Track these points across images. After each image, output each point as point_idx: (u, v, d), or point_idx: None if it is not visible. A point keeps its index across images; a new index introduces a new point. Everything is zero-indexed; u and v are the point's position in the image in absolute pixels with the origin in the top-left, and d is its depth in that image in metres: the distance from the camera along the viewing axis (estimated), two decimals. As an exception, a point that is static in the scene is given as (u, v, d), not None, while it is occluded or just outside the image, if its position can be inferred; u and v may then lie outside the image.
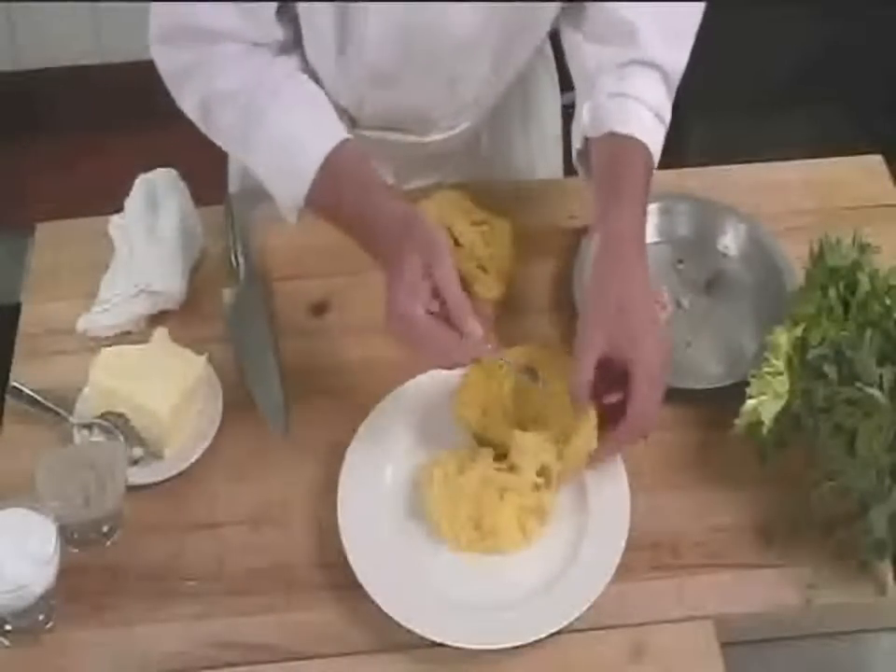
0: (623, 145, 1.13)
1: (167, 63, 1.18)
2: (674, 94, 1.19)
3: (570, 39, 1.23)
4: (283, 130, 1.14)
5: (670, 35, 1.18)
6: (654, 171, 1.23)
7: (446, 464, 1.10)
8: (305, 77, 1.19)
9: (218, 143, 1.21)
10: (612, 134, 1.13)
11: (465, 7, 1.15)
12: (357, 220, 1.10)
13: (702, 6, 1.21)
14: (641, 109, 1.14)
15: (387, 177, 1.40)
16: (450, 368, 1.09)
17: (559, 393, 1.11)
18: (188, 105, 1.19)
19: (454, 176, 1.43)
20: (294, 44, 1.21)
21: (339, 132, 1.14)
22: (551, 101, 1.49)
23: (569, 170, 1.29)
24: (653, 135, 1.15)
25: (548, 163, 1.51)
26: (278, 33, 1.18)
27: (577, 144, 1.19)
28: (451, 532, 1.08)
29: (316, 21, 1.17)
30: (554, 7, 1.22)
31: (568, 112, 1.25)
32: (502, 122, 1.43)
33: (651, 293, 1.10)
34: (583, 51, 1.21)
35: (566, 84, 1.45)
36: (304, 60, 1.22)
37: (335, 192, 1.12)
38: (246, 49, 1.16)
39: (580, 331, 1.08)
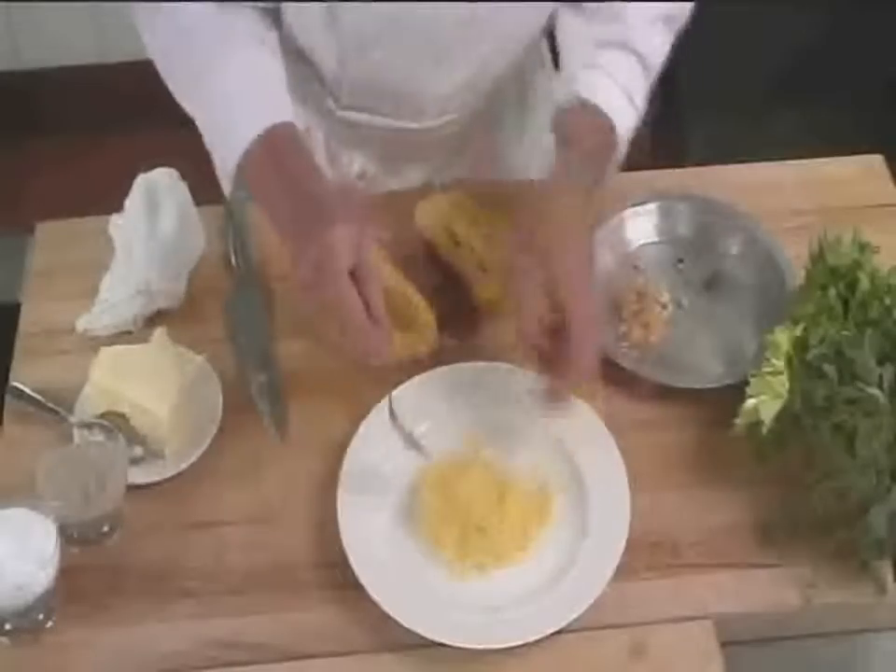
0: (588, 112, 1.13)
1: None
2: (652, 81, 1.19)
3: (561, 15, 1.23)
4: (234, 88, 1.13)
5: (655, 22, 1.18)
6: (654, 171, 1.23)
7: (442, 476, 1.11)
8: (275, 47, 1.18)
9: (172, 88, 1.19)
10: (578, 100, 1.13)
11: None
12: (284, 196, 1.08)
13: (685, 11, 1.22)
14: (613, 86, 1.14)
15: (374, 165, 1.40)
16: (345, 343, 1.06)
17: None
18: (152, 44, 1.19)
19: (443, 171, 1.42)
20: (273, 11, 1.20)
21: (283, 111, 1.12)
22: (546, 97, 1.48)
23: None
24: (621, 114, 1.14)
25: (543, 161, 1.50)
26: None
27: (539, 136, 1.21)
28: (452, 552, 1.08)
29: None
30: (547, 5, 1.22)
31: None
32: (496, 123, 1.42)
33: (587, 241, 1.09)
34: (568, 27, 1.21)
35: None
36: (277, 24, 1.21)
37: (266, 167, 1.10)
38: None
39: (514, 255, 1.08)
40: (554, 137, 1.16)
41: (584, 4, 1.20)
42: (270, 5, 1.19)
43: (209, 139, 1.16)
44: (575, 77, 1.16)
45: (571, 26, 1.21)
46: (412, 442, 1.15)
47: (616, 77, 1.15)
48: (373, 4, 1.16)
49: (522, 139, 1.46)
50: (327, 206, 1.04)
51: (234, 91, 1.13)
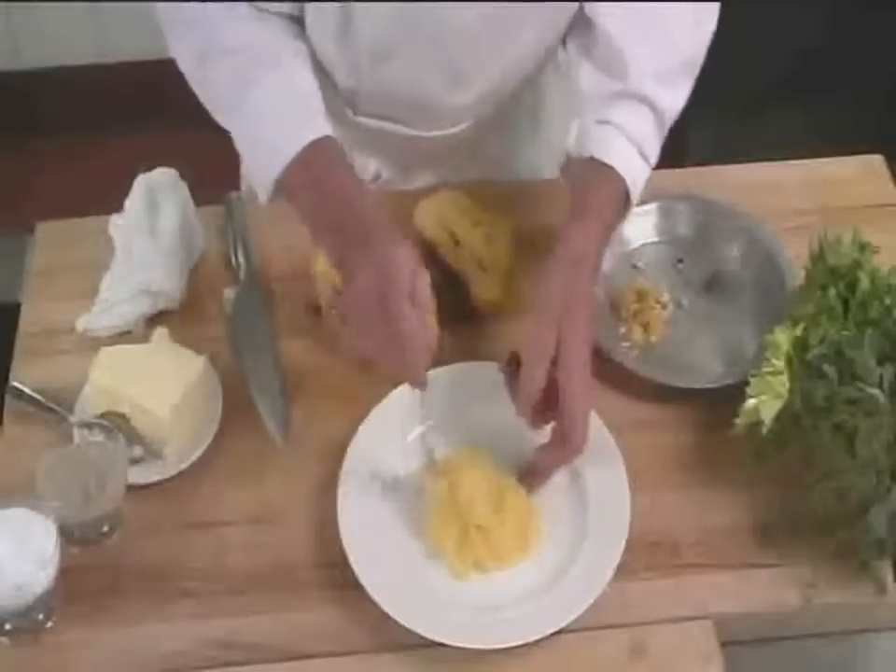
0: (600, 171, 1.12)
1: (170, 8, 1.17)
2: (665, 133, 1.18)
3: (573, 54, 1.23)
4: (273, 103, 1.14)
5: (666, 74, 1.17)
6: (654, 171, 1.23)
7: (442, 476, 1.11)
8: (307, 57, 1.19)
9: (205, 100, 1.19)
10: (592, 159, 1.13)
11: None
12: (324, 211, 1.10)
13: (703, 47, 1.21)
14: (623, 140, 1.13)
15: (389, 170, 1.40)
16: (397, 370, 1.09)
17: None
18: (183, 53, 1.18)
19: (458, 176, 1.43)
20: (299, 19, 1.21)
21: (325, 127, 1.14)
22: (560, 102, 1.48)
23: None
24: (633, 169, 1.13)
25: (556, 170, 1.50)
26: (284, 4, 1.18)
27: (552, 137, 1.21)
28: (453, 551, 1.08)
29: (320, 6, 1.18)
30: (563, 8, 1.22)
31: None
32: (510, 125, 1.42)
33: (589, 322, 1.08)
34: (582, 69, 1.20)
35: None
36: (303, 32, 1.22)
37: (312, 179, 1.11)
38: (255, 12, 1.16)
39: (527, 338, 1.07)
40: (570, 196, 1.16)
41: (594, 48, 1.19)
42: (288, 6, 1.19)
43: (246, 156, 1.17)
44: (587, 133, 1.15)
45: (584, 77, 1.19)
46: (428, 439, 1.16)
47: (627, 131, 1.13)
48: (387, 17, 1.17)
49: (535, 140, 1.47)
50: (378, 227, 1.07)
51: (273, 108, 1.14)
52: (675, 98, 1.18)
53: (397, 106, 1.30)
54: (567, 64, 1.25)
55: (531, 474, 1.12)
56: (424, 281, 1.05)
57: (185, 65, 1.19)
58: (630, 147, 1.13)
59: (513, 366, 1.09)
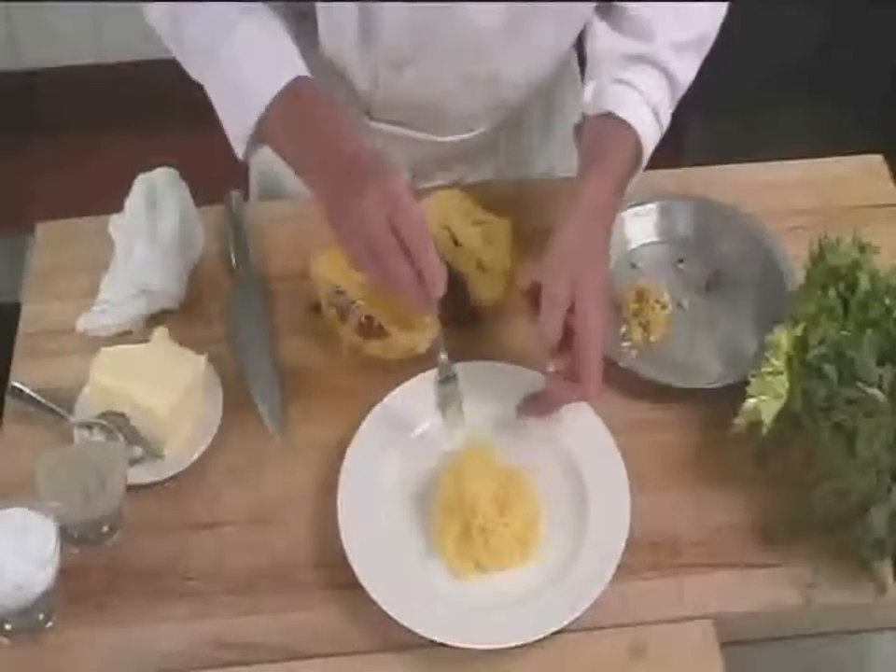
0: (615, 126, 1.15)
1: None
2: (676, 104, 1.20)
3: (593, 26, 1.24)
4: (247, 49, 1.14)
5: (683, 47, 1.20)
6: (654, 171, 1.23)
7: (442, 476, 1.11)
8: (280, 10, 1.18)
9: (181, 57, 1.19)
10: (608, 115, 1.15)
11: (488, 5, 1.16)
12: (308, 153, 1.10)
13: (717, 24, 1.23)
14: (640, 101, 1.15)
15: (406, 173, 1.40)
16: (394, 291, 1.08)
17: None
18: (158, 12, 1.18)
19: (471, 177, 1.43)
20: (300, 20, 1.21)
21: (301, 67, 1.13)
22: (574, 107, 1.48)
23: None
24: (647, 129, 1.16)
25: (569, 169, 1.50)
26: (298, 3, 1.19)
27: (574, 118, 1.22)
28: (453, 551, 1.08)
29: (337, 9, 1.18)
30: (580, 12, 1.22)
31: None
32: (522, 127, 1.42)
33: (605, 270, 1.11)
34: (599, 37, 1.22)
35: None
36: (313, 40, 1.22)
37: (292, 119, 1.11)
38: None
39: (544, 287, 1.08)
40: (579, 148, 1.18)
41: (617, 16, 1.21)
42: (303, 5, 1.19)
43: (223, 102, 1.16)
44: (604, 90, 1.17)
45: (602, 39, 1.22)
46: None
47: (643, 92, 1.16)
48: (406, 25, 1.17)
49: (548, 140, 1.47)
50: (368, 159, 1.06)
51: (247, 53, 1.14)
52: (688, 71, 1.21)
53: (412, 112, 1.30)
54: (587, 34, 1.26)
55: (536, 400, 1.14)
56: (408, 206, 1.04)
57: (160, 25, 1.19)
58: (646, 106, 1.15)
59: (533, 295, 1.12)
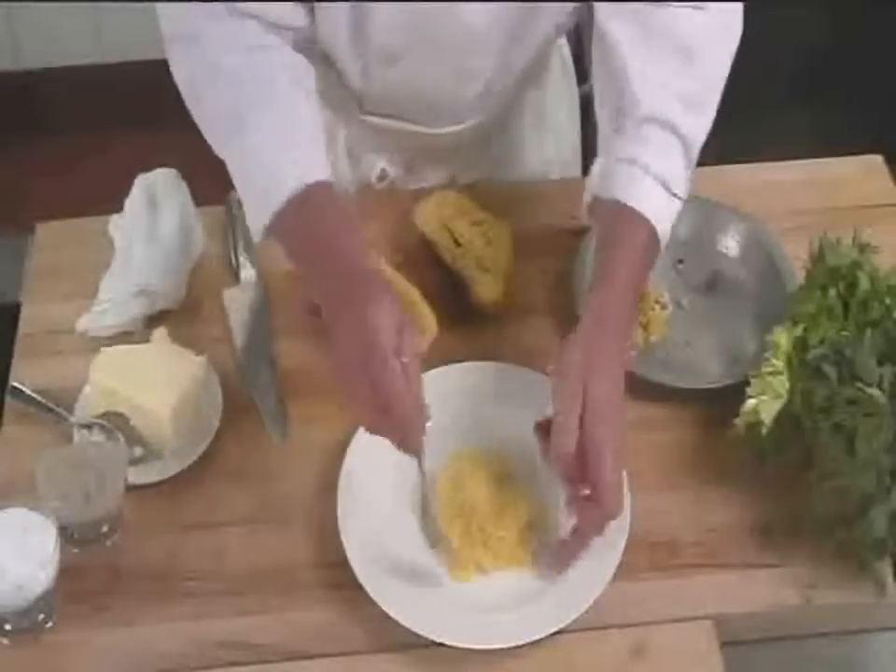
0: (625, 216, 1.09)
1: (173, 22, 1.12)
2: (693, 166, 1.14)
3: (596, 91, 1.18)
4: (266, 144, 1.09)
5: (692, 102, 1.13)
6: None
7: (443, 476, 1.11)
8: (308, 86, 1.14)
9: (199, 123, 1.15)
10: (616, 202, 1.09)
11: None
12: (323, 257, 1.06)
13: (723, 77, 1.17)
14: (648, 180, 1.09)
15: (397, 167, 1.40)
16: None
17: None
18: (181, 70, 1.13)
19: (465, 172, 1.43)
20: (310, 37, 1.19)
21: (321, 170, 1.09)
22: (567, 100, 1.49)
23: (588, 168, 1.26)
24: (659, 209, 1.09)
25: (564, 164, 1.50)
26: (299, 17, 1.15)
27: (587, 198, 1.16)
28: (454, 557, 1.08)
29: (329, 6, 1.17)
30: (571, 9, 1.22)
31: (586, 104, 1.23)
32: (515, 122, 1.43)
33: (618, 383, 1.03)
34: (599, 104, 1.16)
35: (582, 77, 1.45)
36: (315, 52, 1.20)
37: (302, 226, 1.07)
38: (262, 35, 1.12)
39: (554, 404, 1.02)
40: (594, 227, 1.14)
41: (612, 85, 1.14)
42: (302, 17, 1.17)
43: (242, 190, 1.11)
44: (612, 174, 1.11)
45: (602, 109, 1.16)
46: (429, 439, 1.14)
47: (654, 169, 1.09)
48: (397, 20, 1.17)
49: (541, 140, 1.47)
50: (360, 280, 1.02)
51: (266, 150, 1.09)
52: (699, 122, 1.14)
53: (404, 104, 1.30)
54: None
55: (563, 547, 1.07)
56: (410, 335, 1.00)
57: (181, 85, 1.14)
58: (655, 184, 1.09)
59: (543, 432, 1.04)
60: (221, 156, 1.14)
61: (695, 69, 1.13)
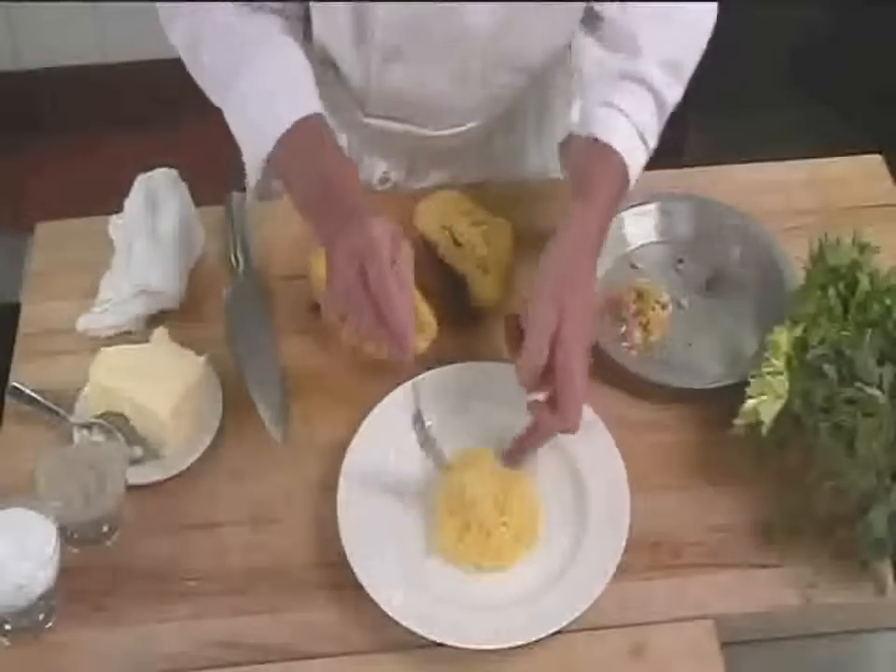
0: (601, 152, 1.14)
1: None
2: (664, 123, 1.20)
3: (579, 39, 1.25)
4: (262, 83, 1.15)
5: (670, 64, 1.19)
6: (654, 171, 1.23)
7: (443, 476, 1.12)
8: (296, 36, 1.21)
9: (200, 82, 1.21)
10: (594, 140, 1.14)
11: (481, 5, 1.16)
12: (317, 186, 1.11)
13: (703, 42, 1.23)
14: (626, 124, 1.15)
15: (398, 170, 1.41)
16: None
17: None
18: (178, 35, 1.20)
19: (466, 174, 1.43)
20: (297, 18, 1.23)
21: (314, 104, 1.15)
22: (567, 106, 1.49)
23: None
24: (633, 153, 1.15)
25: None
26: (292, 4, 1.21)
27: (558, 137, 1.22)
28: (454, 551, 1.09)
29: (330, 7, 1.19)
30: (573, 13, 1.22)
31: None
32: (516, 125, 1.43)
33: (589, 301, 1.09)
34: (587, 53, 1.22)
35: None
36: (304, 33, 1.24)
37: (298, 156, 1.12)
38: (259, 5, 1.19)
39: (531, 312, 1.07)
40: (566, 167, 1.19)
41: (604, 31, 1.21)
42: (294, 6, 1.21)
43: (240, 132, 1.18)
44: (591, 113, 1.16)
45: (589, 55, 1.22)
46: (430, 449, 1.15)
47: (630, 115, 1.15)
48: (398, 20, 1.17)
49: (541, 140, 1.47)
50: (356, 204, 1.07)
51: (262, 88, 1.15)
52: (676, 89, 1.20)
53: (405, 106, 1.30)
54: (575, 50, 1.27)
55: (518, 442, 1.12)
56: (405, 252, 1.05)
57: (180, 49, 1.21)
58: (632, 130, 1.15)
59: (512, 329, 1.10)
60: (221, 106, 1.20)
61: (674, 36, 1.21)
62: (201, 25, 1.18)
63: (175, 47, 1.21)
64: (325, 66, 1.27)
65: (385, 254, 1.02)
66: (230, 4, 1.18)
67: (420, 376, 1.18)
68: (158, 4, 1.21)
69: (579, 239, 1.10)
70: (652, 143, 1.18)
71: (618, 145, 1.14)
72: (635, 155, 1.15)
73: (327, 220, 1.08)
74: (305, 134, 1.13)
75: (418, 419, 1.16)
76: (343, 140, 1.39)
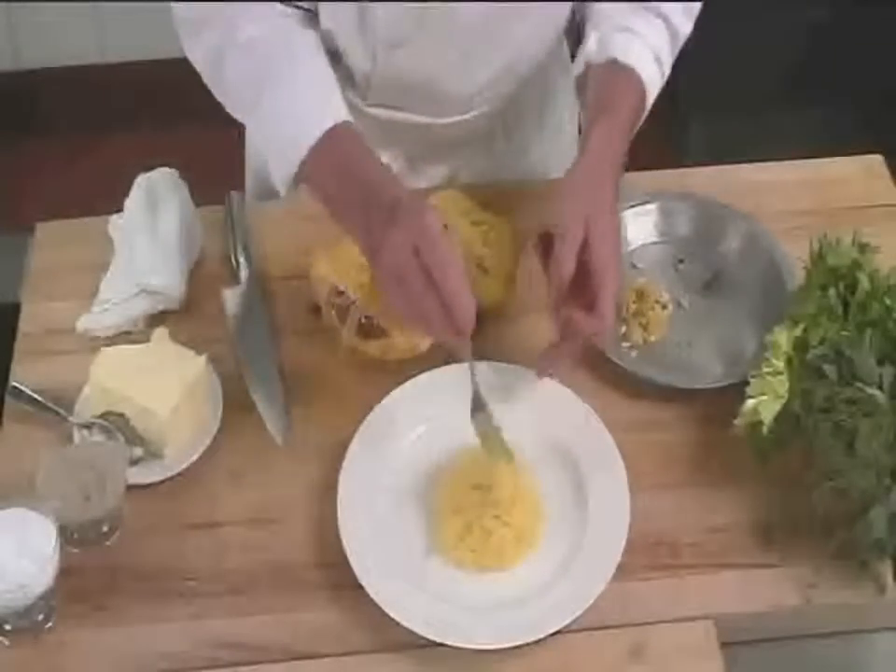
0: (620, 72, 1.17)
1: (186, 8, 1.19)
2: (676, 53, 1.23)
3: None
4: (291, 96, 1.15)
5: (685, 3, 1.22)
6: (654, 171, 1.23)
7: (443, 476, 1.12)
8: (319, 44, 1.22)
9: (222, 98, 1.22)
10: (613, 62, 1.17)
11: None
12: (349, 192, 1.11)
13: None
14: (644, 48, 1.18)
15: (399, 164, 1.41)
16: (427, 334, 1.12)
17: None
18: (199, 51, 1.20)
19: (466, 169, 1.43)
20: (316, 18, 1.23)
21: (343, 113, 1.15)
22: (568, 102, 1.49)
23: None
24: (652, 75, 1.18)
25: (564, 163, 1.50)
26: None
27: (578, 69, 1.23)
28: (454, 551, 1.09)
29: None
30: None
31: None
32: (518, 119, 1.43)
33: (614, 212, 1.12)
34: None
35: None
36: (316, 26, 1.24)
37: (334, 163, 1.13)
38: (273, 9, 1.19)
39: (559, 228, 1.09)
40: (583, 97, 1.21)
41: None
42: (309, 5, 1.21)
43: (269, 146, 1.18)
44: (609, 39, 1.18)
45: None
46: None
47: (646, 38, 1.18)
48: (400, 8, 1.18)
49: (542, 138, 1.47)
50: (402, 197, 1.07)
51: (290, 103, 1.15)
52: (687, 22, 1.23)
53: (408, 93, 1.31)
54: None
55: (554, 350, 1.13)
56: (454, 241, 1.07)
57: (200, 65, 1.21)
58: (649, 52, 1.18)
59: (544, 245, 1.12)
60: (245, 122, 1.21)
61: None
62: (225, 41, 1.17)
63: (194, 62, 1.21)
64: (329, 59, 1.27)
65: (442, 241, 1.03)
66: (250, 19, 1.17)
67: (416, 377, 1.18)
68: (181, 18, 1.20)
69: (599, 156, 1.13)
70: (667, 70, 1.21)
71: (636, 65, 1.16)
72: (652, 77, 1.18)
73: (373, 221, 1.07)
74: (337, 142, 1.13)
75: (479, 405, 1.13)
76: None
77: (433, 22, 1.20)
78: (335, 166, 1.12)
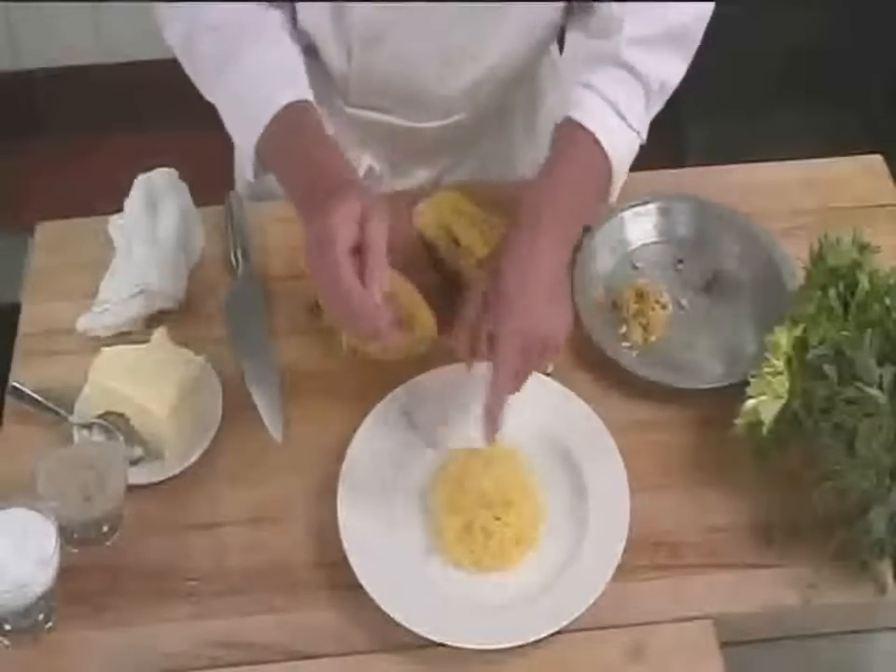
0: (571, 129, 1.13)
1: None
2: (655, 101, 1.18)
3: (567, 28, 1.24)
4: (251, 73, 1.15)
5: (650, 39, 1.16)
6: (654, 171, 1.23)
7: (443, 476, 1.12)
8: (290, 35, 1.20)
9: (193, 77, 1.21)
10: (569, 120, 1.14)
11: None
12: (299, 170, 1.10)
13: (696, 19, 1.19)
14: (603, 104, 1.13)
15: (382, 166, 1.40)
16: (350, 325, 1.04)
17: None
18: (172, 32, 1.20)
19: (451, 173, 1.43)
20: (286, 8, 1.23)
21: (303, 91, 1.14)
22: (556, 106, 1.48)
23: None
24: (612, 134, 1.13)
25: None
26: None
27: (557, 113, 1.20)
28: (454, 551, 1.09)
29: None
30: (552, 8, 1.22)
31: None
32: (504, 119, 1.42)
33: (555, 270, 1.09)
34: (568, 41, 1.22)
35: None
36: (294, 20, 1.24)
37: (284, 141, 1.12)
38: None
39: (494, 347, 1.06)
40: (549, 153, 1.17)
41: (584, 16, 1.20)
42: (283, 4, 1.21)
43: (232, 124, 1.17)
44: (568, 97, 1.15)
45: (571, 40, 1.21)
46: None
47: (607, 95, 1.14)
48: (372, 15, 1.18)
49: (531, 141, 1.46)
50: (332, 188, 1.03)
51: (258, 73, 1.15)
52: (660, 66, 1.17)
53: (388, 95, 1.30)
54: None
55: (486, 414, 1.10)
56: (376, 221, 1.00)
57: (176, 46, 1.21)
58: (609, 108, 1.13)
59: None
60: (212, 99, 1.19)
61: (658, 17, 1.17)
62: (194, 25, 1.18)
63: (171, 48, 1.21)
64: (308, 55, 1.26)
65: (342, 245, 0.98)
66: (221, 3, 1.17)
67: (416, 377, 1.18)
68: (154, 7, 1.20)
69: (529, 224, 1.08)
70: (636, 120, 1.15)
71: (589, 122, 1.12)
72: (615, 136, 1.13)
73: (306, 206, 1.06)
74: (286, 122, 1.11)
75: (410, 420, 1.16)
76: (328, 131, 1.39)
77: (407, 20, 1.20)
78: (283, 146, 1.12)
